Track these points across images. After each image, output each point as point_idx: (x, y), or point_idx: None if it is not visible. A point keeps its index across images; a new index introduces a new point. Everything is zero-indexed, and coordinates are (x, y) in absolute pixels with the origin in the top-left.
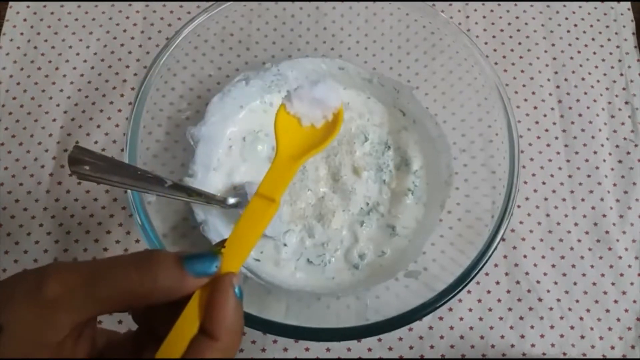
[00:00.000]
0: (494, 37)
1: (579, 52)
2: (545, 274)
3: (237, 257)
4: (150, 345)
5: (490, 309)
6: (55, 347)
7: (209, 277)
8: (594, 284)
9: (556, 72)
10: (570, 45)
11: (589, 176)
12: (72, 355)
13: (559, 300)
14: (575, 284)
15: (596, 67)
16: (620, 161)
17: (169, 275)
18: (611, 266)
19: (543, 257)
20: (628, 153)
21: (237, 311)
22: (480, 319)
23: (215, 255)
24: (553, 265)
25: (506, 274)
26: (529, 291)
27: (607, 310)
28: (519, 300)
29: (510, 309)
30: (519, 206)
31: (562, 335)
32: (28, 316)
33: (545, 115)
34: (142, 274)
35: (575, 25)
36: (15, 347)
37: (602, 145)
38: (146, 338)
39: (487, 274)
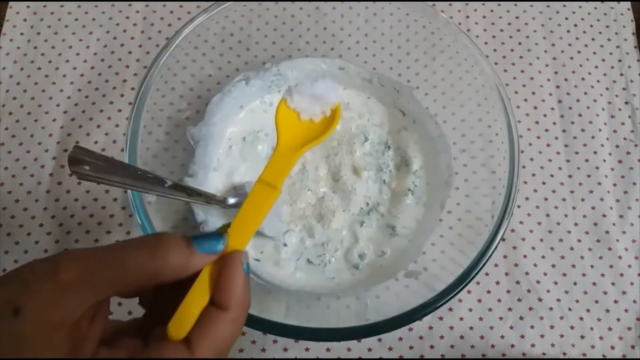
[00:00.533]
0: (494, 37)
1: (579, 52)
2: (545, 274)
3: (241, 238)
4: (157, 329)
5: (490, 309)
6: (70, 327)
7: (215, 254)
8: (594, 284)
9: (556, 72)
10: (570, 45)
11: (589, 176)
12: (86, 334)
13: (559, 300)
14: (575, 284)
15: (596, 67)
16: (620, 161)
17: (179, 253)
18: (611, 266)
19: (543, 257)
20: (628, 153)
21: (246, 285)
22: (480, 319)
23: (221, 235)
24: (553, 265)
25: (506, 274)
26: (529, 291)
27: (607, 310)
28: (519, 300)
29: (510, 309)
30: (519, 206)
31: (562, 335)
32: (44, 298)
33: (545, 115)
34: (152, 254)
35: (575, 25)
36: (31, 327)
37: (602, 145)
38: (153, 322)
39: (487, 274)
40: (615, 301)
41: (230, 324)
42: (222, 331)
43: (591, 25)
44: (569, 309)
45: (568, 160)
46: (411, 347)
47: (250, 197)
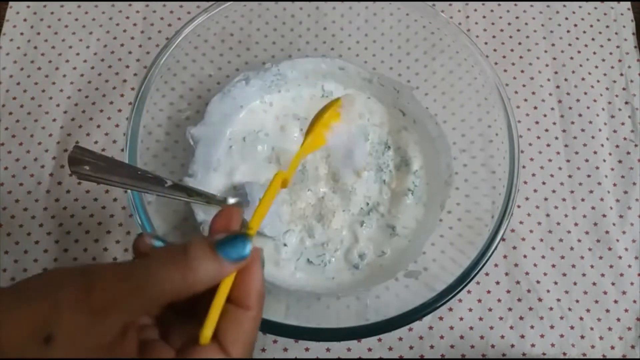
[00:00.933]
0: (494, 37)
1: (579, 52)
2: (545, 274)
3: (255, 226)
4: (174, 323)
5: (490, 309)
6: (105, 349)
7: (244, 260)
8: (594, 284)
9: (556, 72)
10: (570, 45)
11: (589, 176)
12: (122, 352)
13: (559, 300)
14: (575, 284)
15: (596, 67)
16: (620, 161)
17: (208, 267)
18: (611, 266)
19: (543, 257)
20: (628, 153)
21: (263, 281)
22: (480, 319)
23: (246, 238)
24: (553, 265)
25: (506, 274)
26: (529, 291)
27: (607, 310)
28: (519, 300)
29: (510, 309)
30: (519, 206)
31: (562, 335)
32: (78, 324)
33: (545, 115)
34: (182, 272)
35: (575, 25)
36: (66, 355)
37: (602, 145)
38: (165, 315)
39: (487, 274)
40: (615, 301)
41: (253, 321)
42: (249, 330)
43: (591, 25)
44: (569, 309)
45: (568, 160)
46: (411, 347)
47: (271, 191)
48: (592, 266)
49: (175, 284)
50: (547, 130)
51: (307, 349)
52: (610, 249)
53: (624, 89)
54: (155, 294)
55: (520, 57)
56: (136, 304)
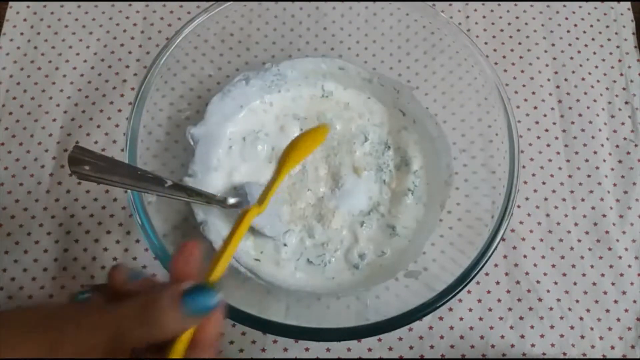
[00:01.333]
0: (494, 37)
1: (579, 52)
2: (545, 274)
3: (220, 272)
4: (143, 353)
5: (490, 309)
6: None
7: (209, 313)
8: (594, 284)
9: (556, 72)
10: (570, 45)
11: (589, 176)
12: None
13: (559, 300)
14: (575, 284)
15: (596, 67)
16: (620, 161)
17: (174, 322)
18: (611, 266)
19: (543, 257)
20: (628, 153)
21: (220, 327)
22: (480, 319)
23: (212, 292)
24: (553, 265)
25: (506, 274)
26: (529, 291)
27: (607, 310)
28: (519, 300)
29: (510, 309)
30: (519, 206)
31: (562, 335)
32: None
33: (545, 115)
34: (149, 327)
35: (575, 25)
36: None
37: (602, 145)
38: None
39: (487, 274)
40: (615, 301)
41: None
42: None
43: (591, 25)
44: (569, 309)
45: (568, 160)
46: (411, 347)
47: (245, 224)
48: (592, 266)
49: (142, 338)
50: (547, 130)
51: (307, 349)
52: (610, 249)
53: (624, 89)
54: (119, 344)
55: (520, 57)
56: (102, 354)
